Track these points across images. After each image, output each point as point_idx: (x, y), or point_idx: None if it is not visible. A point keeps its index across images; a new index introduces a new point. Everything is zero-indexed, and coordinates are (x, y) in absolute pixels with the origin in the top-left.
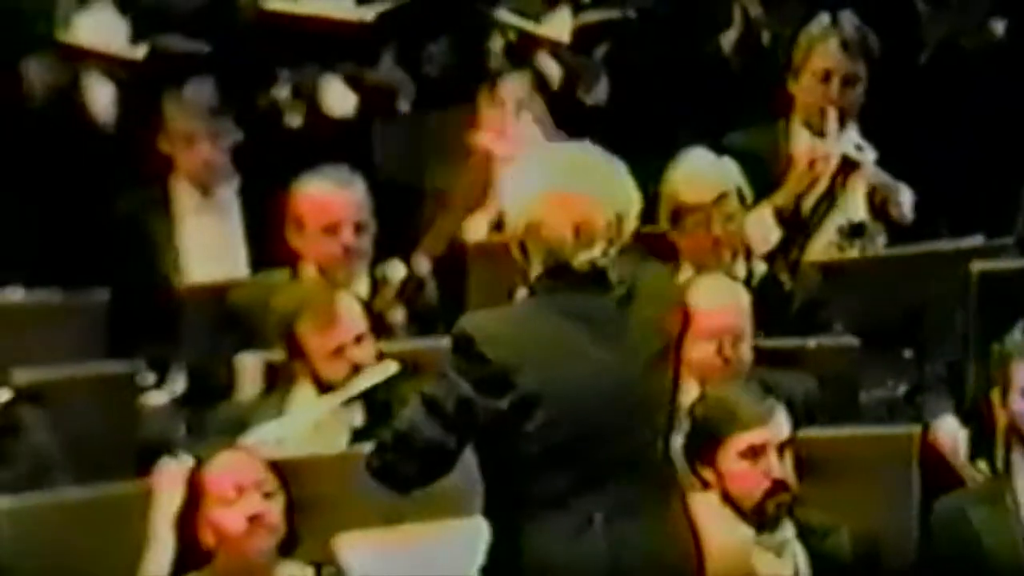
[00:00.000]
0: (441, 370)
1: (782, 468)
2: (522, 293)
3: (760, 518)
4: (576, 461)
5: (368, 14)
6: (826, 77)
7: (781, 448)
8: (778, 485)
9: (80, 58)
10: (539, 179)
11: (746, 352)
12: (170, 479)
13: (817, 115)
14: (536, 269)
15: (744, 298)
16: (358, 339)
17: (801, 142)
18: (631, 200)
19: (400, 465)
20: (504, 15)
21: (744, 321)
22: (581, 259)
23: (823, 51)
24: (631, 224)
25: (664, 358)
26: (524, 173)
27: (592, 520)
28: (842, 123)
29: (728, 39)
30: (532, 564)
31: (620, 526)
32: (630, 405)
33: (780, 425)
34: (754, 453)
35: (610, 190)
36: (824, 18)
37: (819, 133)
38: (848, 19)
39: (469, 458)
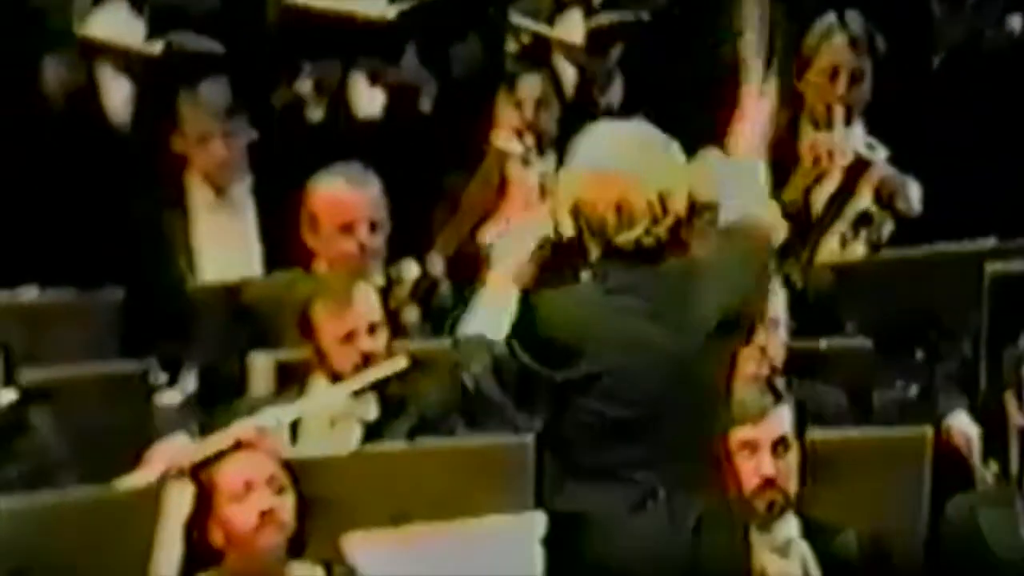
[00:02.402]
0: (508, 337)
1: (775, 466)
2: (586, 275)
3: (752, 516)
4: (640, 436)
5: (392, 11)
6: (834, 74)
7: (775, 447)
8: (768, 483)
9: (97, 53)
10: (582, 157)
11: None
12: (170, 463)
13: (824, 112)
14: (592, 249)
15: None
16: (371, 329)
17: (807, 137)
18: (677, 176)
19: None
20: (517, 18)
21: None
22: (622, 239)
23: (830, 48)
24: (679, 201)
25: (728, 336)
26: (572, 152)
27: (656, 494)
28: (849, 120)
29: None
30: (595, 533)
31: (682, 502)
32: (691, 383)
33: (775, 423)
34: (745, 449)
35: (652, 167)
36: (830, 16)
37: (826, 129)
38: (854, 17)
39: (483, 458)
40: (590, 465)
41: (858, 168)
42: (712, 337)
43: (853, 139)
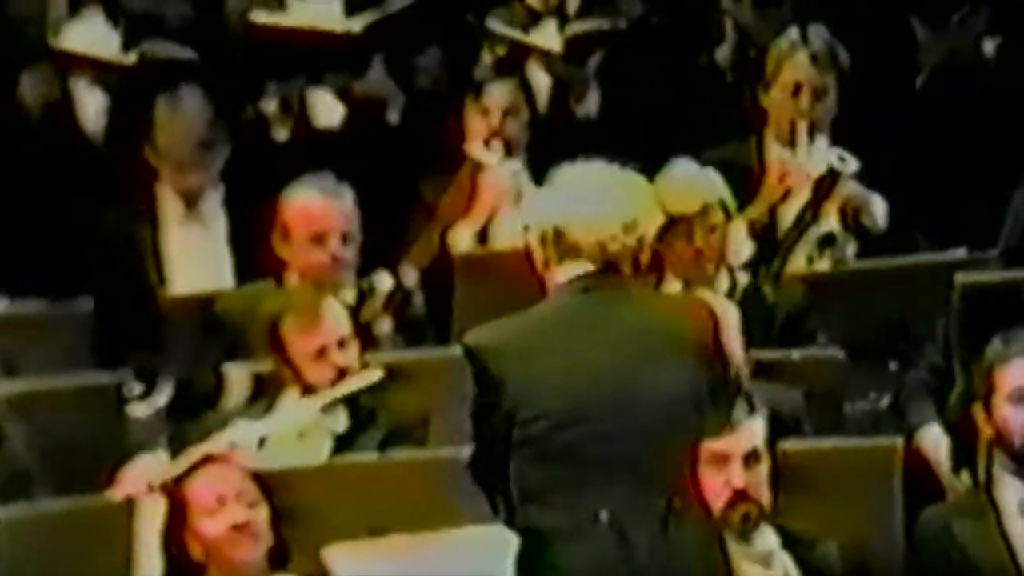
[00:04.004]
0: None
1: (747, 478)
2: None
3: (726, 528)
4: (577, 461)
5: (356, 25)
6: (796, 90)
7: (748, 459)
8: (740, 495)
9: (72, 64)
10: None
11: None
12: (142, 484)
13: (788, 128)
14: (554, 272)
15: (732, 313)
16: (341, 343)
17: (773, 154)
18: (637, 212)
19: None
20: (494, 25)
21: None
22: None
23: (793, 64)
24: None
25: (681, 356)
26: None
27: (598, 516)
28: (812, 136)
29: (723, 51)
30: (545, 558)
31: (626, 523)
32: (636, 404)
33: (748, 435)
34: (718, 461)
35: (606, 211)
36: (793, 32)
37: (790, 146)
38: (817, 32)
39: (457, 469)
40: (532, 491)
41: (826, 182)
42: (668, 355)
43: (820, 155)
